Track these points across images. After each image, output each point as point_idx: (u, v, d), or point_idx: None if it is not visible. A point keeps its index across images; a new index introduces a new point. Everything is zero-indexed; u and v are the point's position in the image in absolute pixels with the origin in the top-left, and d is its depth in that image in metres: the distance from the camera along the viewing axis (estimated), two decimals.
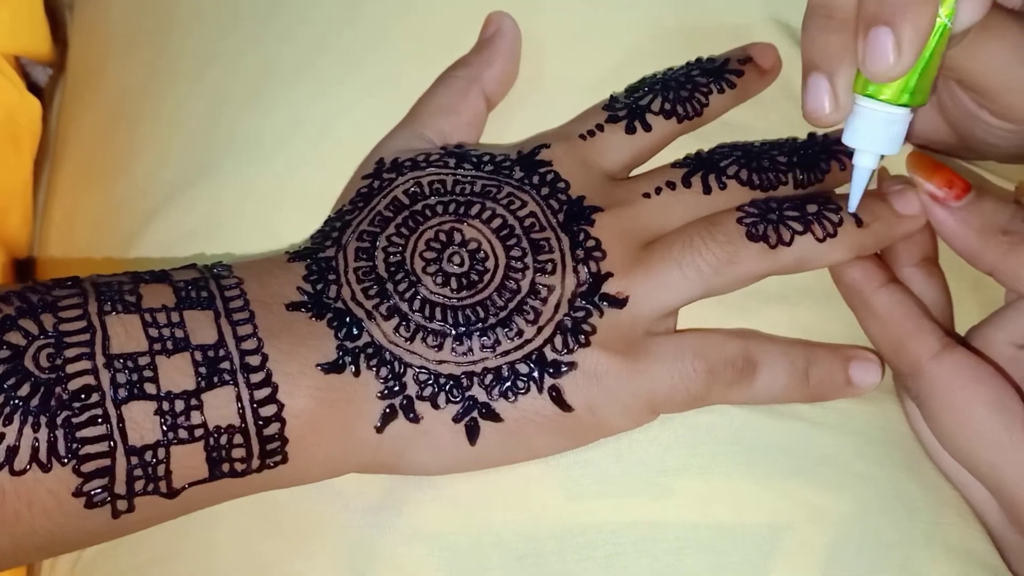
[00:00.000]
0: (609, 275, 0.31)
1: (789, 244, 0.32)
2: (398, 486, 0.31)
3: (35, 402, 0.26)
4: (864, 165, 0.31)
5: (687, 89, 0.36)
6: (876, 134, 0.30)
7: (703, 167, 0.34)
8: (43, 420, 0.26)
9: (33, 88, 0.45)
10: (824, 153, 0.36)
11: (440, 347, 0.30)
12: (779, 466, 0.31)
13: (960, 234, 0.32)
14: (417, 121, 0.35)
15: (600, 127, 0.35)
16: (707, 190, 0.33)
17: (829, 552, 0.30)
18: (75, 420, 0.26)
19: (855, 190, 0.32)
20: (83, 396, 0.27)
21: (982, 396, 0.30)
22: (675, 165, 0.35)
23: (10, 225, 0.43)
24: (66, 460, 0.26)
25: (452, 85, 0.36)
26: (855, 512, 0.31)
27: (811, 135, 0.36)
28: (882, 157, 0.32)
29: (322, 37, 0.39)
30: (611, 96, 0.36)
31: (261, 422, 0.28)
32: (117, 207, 0.40)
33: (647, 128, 0.35)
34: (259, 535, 0.32)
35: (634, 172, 0.36)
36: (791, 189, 0.34)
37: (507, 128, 0.36)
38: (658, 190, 0.33)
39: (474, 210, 0.32)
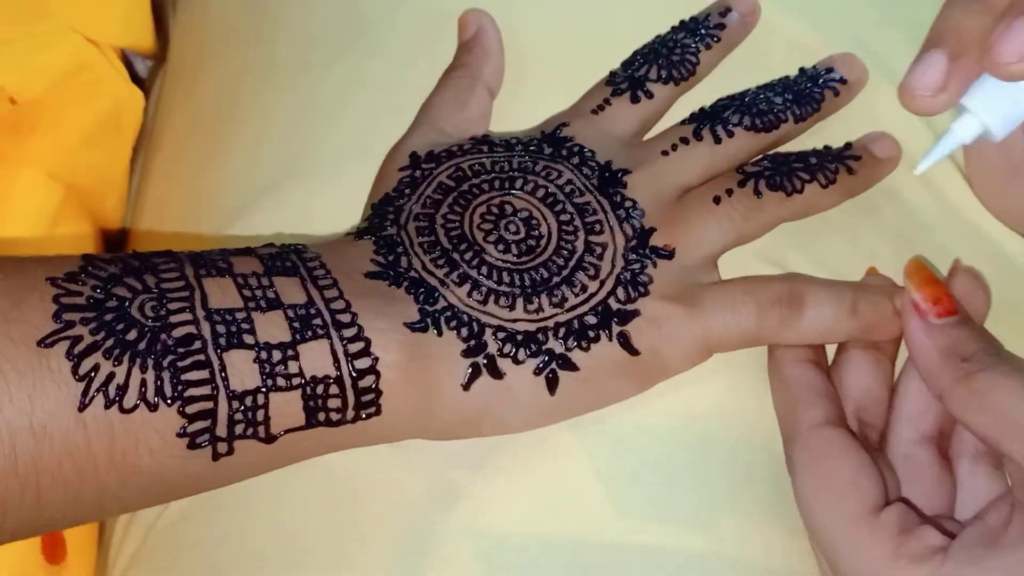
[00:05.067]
0: (653, 230, 0.34)
1: (801, 191, 0.35)
2: (455, 479, 0.33)
3: (142, 345, 0.27)
4: (961, 131, 0.29)
5: (677, 53, 0.38)
6: (995, 104, 0.28)
7: (708, 120, 0.36)
8: (150, 362, 0.27)
9: (135, 79, 0.47)
10: (814, 83, 0.37)
11: (512, 307, 0.32)
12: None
13: (924, 349, 0.31)
14: (433, 119, 0.37)
15: (607, 101, 0.37)
16: (717, 140, 0.36)
17: None
18: (180, 364, 0.27)
19: (938, 152, 0.31)
20: (186, 343, 0.28)
21: (845, 470, 0.30)
22: (683, 123, 0.37)
23: (106, 208, 0.45)
24: (171, 401, 0.27)
25: (457, 84, 0.38)
26: None
27: (801, 69, 0.38)
28: (980, 137, 0.30)
29: (408, 51, 0.41)
30: (611, 72, 0.38)
31: (356, 374, 0.29)
32: (204, 201, 0.41)
33: (649, 95, 0.37)
34: (323, 520, 0.33)
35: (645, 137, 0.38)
36: (792, 125, 0.37)
37: (507, 118, 0.38)
38: (674, 146, 0.36)
39: (518, 184, 0.34)
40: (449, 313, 0.31)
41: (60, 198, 0.41)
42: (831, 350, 0.35)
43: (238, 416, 0.28)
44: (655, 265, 0.33)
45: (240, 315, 0.29)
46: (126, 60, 0.47)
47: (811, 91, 0.37)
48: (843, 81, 0.38)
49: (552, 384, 0.31)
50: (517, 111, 0.39)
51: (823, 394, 0.32)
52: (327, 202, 0.38)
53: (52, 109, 0.40)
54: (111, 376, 0.27)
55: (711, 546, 0.32)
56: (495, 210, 0.34)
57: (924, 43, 0.30)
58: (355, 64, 0.41)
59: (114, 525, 0.39)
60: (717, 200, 0.34)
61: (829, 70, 0.38)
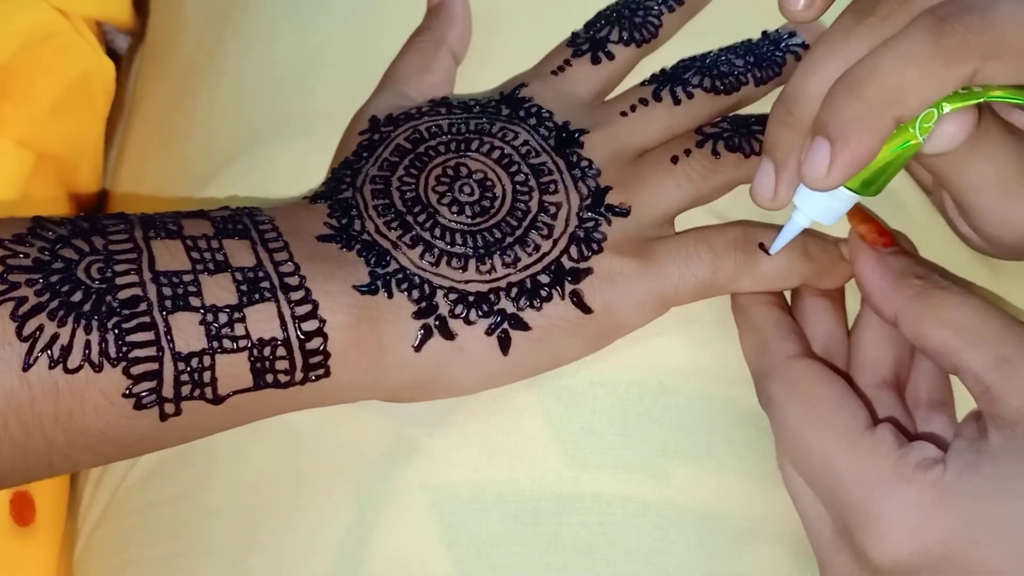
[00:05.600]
0: (608, 188, 0.34)
1: (760, 154, 0.33)
2: (412, 435, 0.33)
3: (87, 307, 0.27)
4: (797, 222, 0.32)
5: (639, 15, 0.38)
6: (819, 201, 0.31)
7: (669, 81, 0.36)
8: (95, 323, 0.27)
9: (113, 55, 0.47)
10: (776, 47, 0.37)
11: (464, 268, 0.32)
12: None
13: (876, 274, 0.32)
14: (397, 82, 0.37)
15: (568, 62, 0.37)
16: (676, 101, 0.36)
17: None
18: (125, 326, 0.27)
19: (782, 239, 0.33)
20: (132, 305, 0.28)
21: (831, 394, 0.30)
22: (643, 84, 0.37)
23: (80, 178, 0.44)
24: (116, 362, 0.27)
25: (421, 48, 0.38)
26: None
27: (764, 33, 0.38)
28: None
29: (380, 20, 0.41)
30: (572, 33, 0.38)
31: (303, 336, 0.29)
32: (176, 171, 0.41)
33: (610, 57, 0.37)
34: (282, 474, 0.33)
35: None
36: (753, 88, 0.37)
37: (476, 82, 0.38)
38: (633, 107, 0.36)
39: (474, 145, 0.34)
40: (400, 275, 0.31)
41: (31, 166, 0.41)
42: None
43: (184, 377, 0.28)
44: (609, 223, 0.33)
45: (187, 277, 0.29)
46: (106, 36, 0.47)
47: (773, 55, 0.37)
48: (805, 46, 0.37)
49: (504, 344, 0.31)
50: (487, 75, 0.38)
51: (793, 330, 0.33)
52: (290, 169, 0.38)
53: (20, 77, 0.40)
54: (55, 337, 0.27)
55: (662, 493, 0.32)
56: (450, 172, 0.34)
57: (762, 149, 0.32)
58: (324, 34, 0.41)
59: (84, 486, 0.39)
60: (675, 160, 0.34)
61: (792, 34, 0.38)
